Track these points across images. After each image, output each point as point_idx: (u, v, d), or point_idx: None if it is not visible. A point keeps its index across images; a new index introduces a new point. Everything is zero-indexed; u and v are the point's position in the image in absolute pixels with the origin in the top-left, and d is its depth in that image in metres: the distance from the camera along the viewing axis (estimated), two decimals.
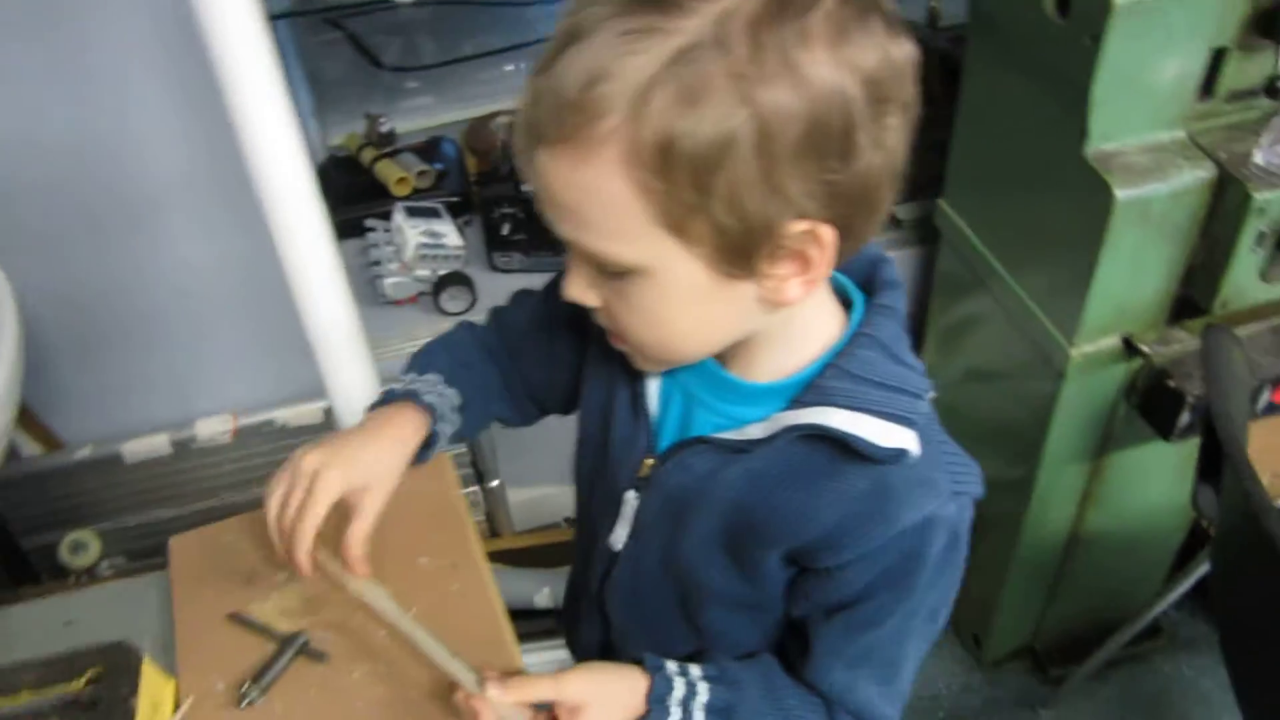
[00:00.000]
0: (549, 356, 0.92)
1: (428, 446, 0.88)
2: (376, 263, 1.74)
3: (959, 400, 1.77)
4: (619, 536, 0.86)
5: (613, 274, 0.66)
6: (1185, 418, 1.44)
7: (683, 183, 0.59)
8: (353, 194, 1.84)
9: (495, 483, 1.80)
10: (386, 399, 0.89)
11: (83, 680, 0.86)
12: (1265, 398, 1.49)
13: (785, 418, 0.72)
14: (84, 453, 1.63)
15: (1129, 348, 1.44)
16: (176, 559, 0.98)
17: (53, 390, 1.68)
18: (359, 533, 0.83)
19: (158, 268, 1.62)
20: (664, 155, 0.58)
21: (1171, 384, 1.44)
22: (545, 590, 1.65)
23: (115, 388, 1.70)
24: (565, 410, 0.96)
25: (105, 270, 1.60)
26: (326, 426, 1.64)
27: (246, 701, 0.86)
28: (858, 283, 0.76)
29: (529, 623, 1.47)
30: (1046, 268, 1.47)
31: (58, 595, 0.97)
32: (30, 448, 1.67)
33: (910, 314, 1.90)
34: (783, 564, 0.77)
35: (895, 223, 1.79)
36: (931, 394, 0.73)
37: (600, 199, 0.61)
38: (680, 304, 0.66)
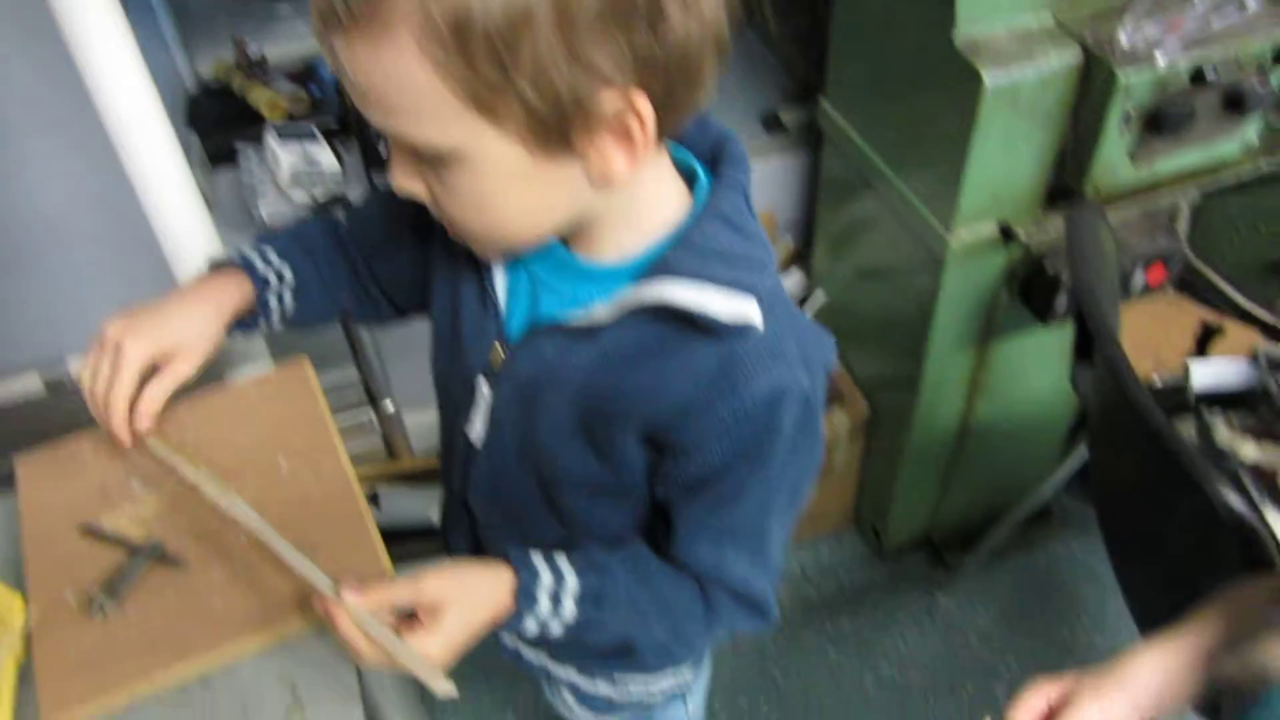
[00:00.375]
0: (396, 252, 0.91)
1: (255, 317, 0.87)
2: (252, 189, 1.68)
3: (850, 301, 1.78)
4: (476, 430, 0.85)
5: (431, 161, 0.64)
6: (1061, 300, 1.47)
7: (482, 60, 0.56)
8: (225, 121, 1.79)
9: (390, 405, 1.77)
10: (211, 268, 0.87)
11: None
12: (1140, 279, 1.52)
13: (629, 296, 0.70)
14: None
15: (1006, 235, 1.46)
16: (24, 477, 0.95)
17: None
18: (156, 391, 0.83)
19: (14, 202, 1.55)
20: (459, 32, 0.55)
21: (1047, 268, 1.46)
22: (438, 507, 1.64)
23: None
24: (422, 308, 0.94)
25: None
26: None
27: (97, 608, 0.84)
28: (705, 162, 0.75)
29: (425, 542, 1.46)
30: (925, 161, 1.48)
31: None
32: None
33: (799, 219, 1.91)
34: (639, 445, 0.76)
35: (780, 126, 1.79)
36: (776, 264, 0.73)
37: (401, 83, 0.58)
38: (503, 187, 0.65)
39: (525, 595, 0.78)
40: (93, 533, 0.89)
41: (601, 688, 1.05)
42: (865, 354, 1.79)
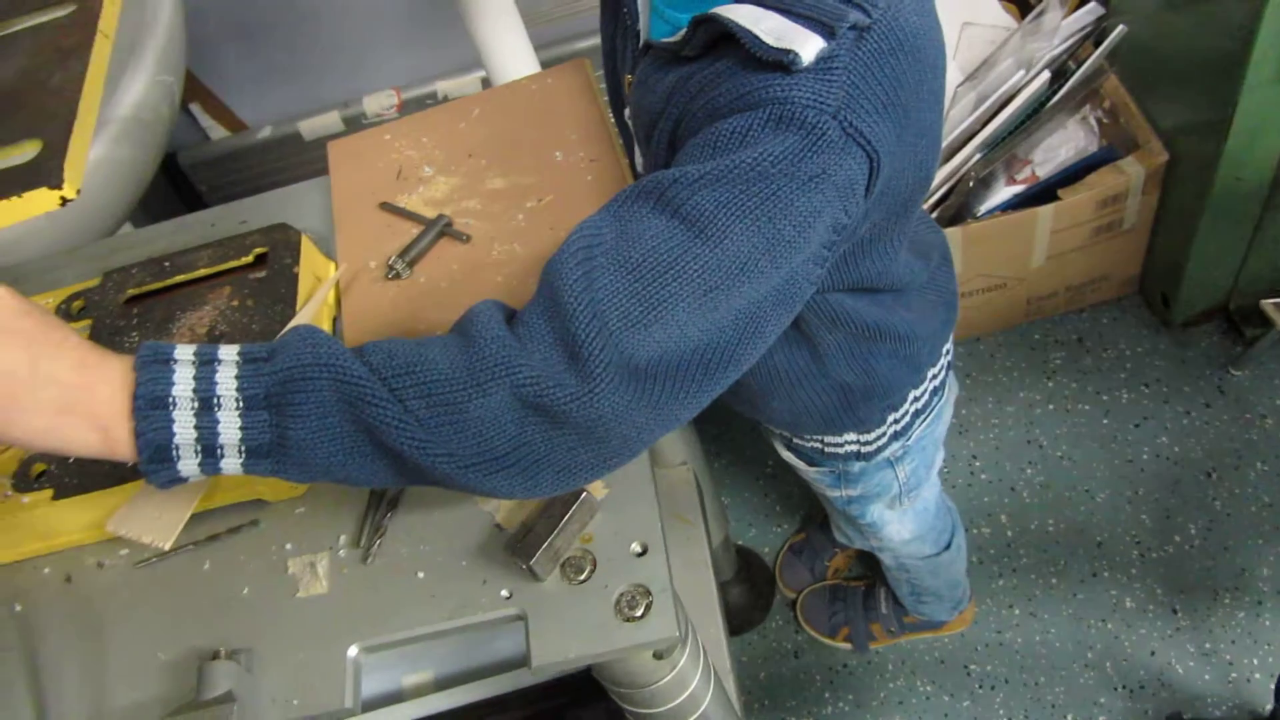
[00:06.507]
0: None
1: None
2: None
3: (1152, 34, 1.60)
4: (638, 161, 0.84)
5: None
6: None
7: None
8: None
9: None
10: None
11: (251, 256, 0.93)
12: None
13: (700, 18, 0.66)
14: (265, 132, 1.73)
15: None
16: (335, 161, 1.03)
17: (234, 78, 1.77)
18: None
19: None
20: None
21: None
22: None
23: (288, 73, 1.77)
24: None
25: None
26: None
27: (393, 273, 0.91)
28: None
29: None
30: None
31: (234, 203, 1.05)
32: (218, 131, 1.78)
33: None
34: None
35: None
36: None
37: None
38: None
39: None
40: (391, 209, 0.97)
41: (809, 439, 1.06)
42: (1166, 94, 1.62)
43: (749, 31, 0.62)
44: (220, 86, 1.76)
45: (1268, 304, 1.61)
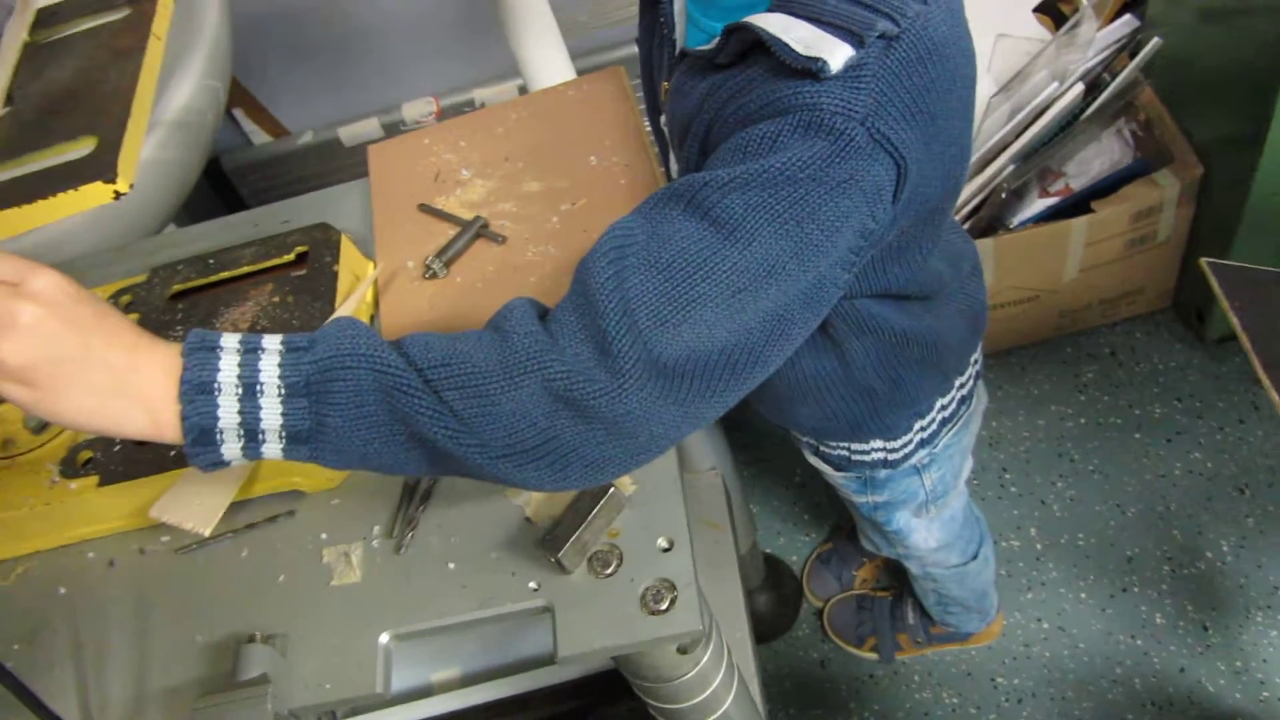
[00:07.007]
0: None
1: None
2: None
3: (1189, 47, 1.60)
4: (673, 167, 0.86)
5: None
6: None
7: None
8: None
9: None
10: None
11: (293, 254, 0.95)
12: None
13: (733, 24, 0.67)
14: (306, 138, 1.76)
15: None
16: (375, 163, 1.06)
17: (276, 84, 1.80)
18: None
19: None
20: None
21: None
22: None
23: (330, 81, 1.81)
24: None
25: None
26: None
27: (430, 273, 0.93)
28: None
29: None
30: None
31: (276, 204, 1.07)
32: (260, 136, 1.82)
33: None
34: None
35: None
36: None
37: None
38: None
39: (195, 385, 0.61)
40: (429, 211, 0.99)
41: (835, 446, 1.07)
42: (1202, 108, 1.62)
43: (779, 40, 0.64)
44: (263, 93, 1.80)
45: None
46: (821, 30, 0.64)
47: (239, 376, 0.61)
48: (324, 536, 0.82)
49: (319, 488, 0.84)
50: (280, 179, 1.79)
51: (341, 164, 1.78)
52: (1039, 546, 1.69)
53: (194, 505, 0.78)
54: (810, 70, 0.63)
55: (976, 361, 1.07)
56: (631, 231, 0.64)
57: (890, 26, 0.63)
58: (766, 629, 1.68)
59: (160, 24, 0.74)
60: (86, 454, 0.85)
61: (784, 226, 0.62)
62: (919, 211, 0.73)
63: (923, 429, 1.04)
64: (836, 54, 0.63)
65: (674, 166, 0.88)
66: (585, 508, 0.74)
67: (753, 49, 0.68)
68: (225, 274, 0.96)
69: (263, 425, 0.61)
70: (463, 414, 0.61)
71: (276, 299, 0.92)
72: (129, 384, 0.60)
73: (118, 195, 0.63)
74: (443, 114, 1.73)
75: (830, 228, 0.63)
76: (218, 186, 1.85)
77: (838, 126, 0.62)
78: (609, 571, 0.74)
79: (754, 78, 0.68)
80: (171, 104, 1.23)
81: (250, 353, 0.62)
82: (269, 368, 0.61)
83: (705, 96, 0.73)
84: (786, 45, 0.64)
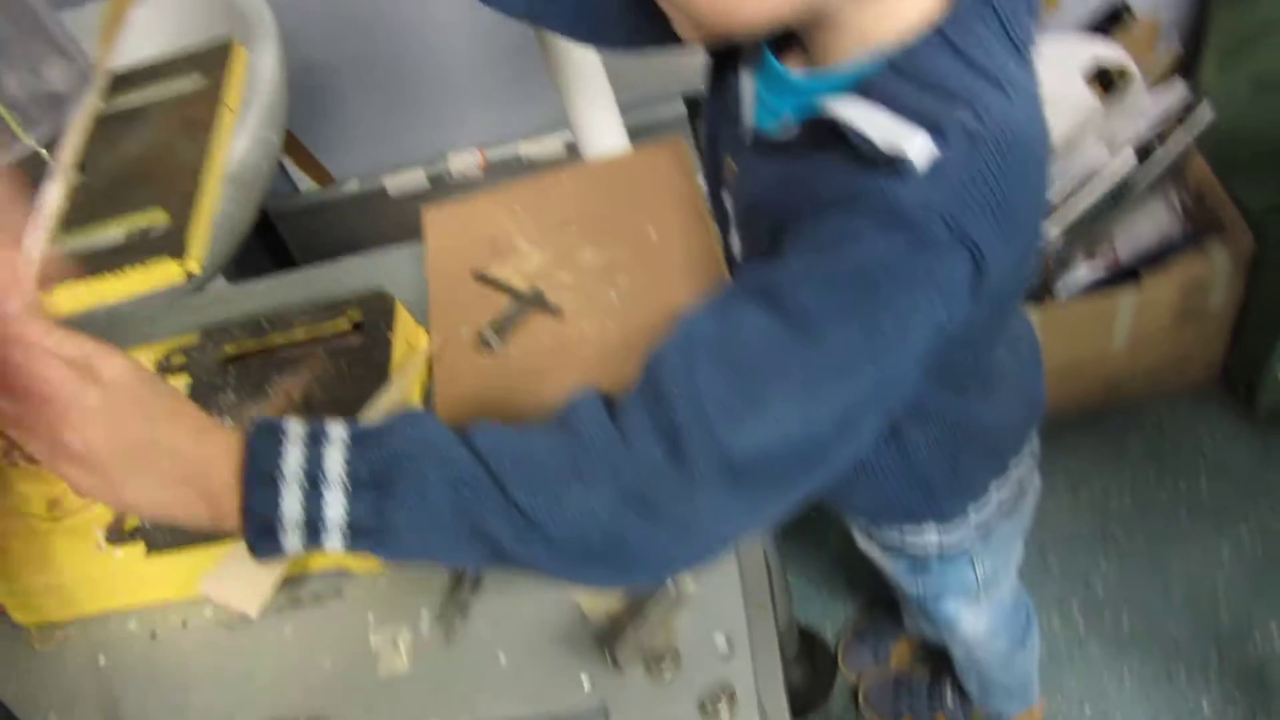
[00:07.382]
0: None
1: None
2: None
3: (1241, 118, 1.58)
4: (735, 245, 0.84)
5: None
6: None
7: None
8: None
9: None
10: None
11: (346, 320, 0.94)
12: None
13: (807, 108, 0.65)
14: (352, 186, 1.76)
15: None
16: (430, 228, 1.05)
17: (325, 133, 1.81)
18: None
19: (404, 12, 1.68)
20: None
21: None
22: None
23: (378, 129, 1.81)
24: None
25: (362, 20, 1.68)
26: (568, 159, 1.69)
27: (484, 343, 0.92)
28: None
29: None
30: None
31: (329, 264, 1.07)
32: (307, 184, 1.82)
33: (1186, 19, 1.70)
34: None
35: None
36: (998, 102, 0.61)
37: None
38: None
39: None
40: (484, 280, 0.98)
41: (888, 532, 1.05)
42: (1254, 177, 1.59)
43: (860, 133, 0.62)
44: (309, 139, 1.80)
45: None
46: (900, 119, 0.62)
47: (304, 467, 0.59)
48: (371, 618, 0.80)
49: (368, 567, 0.82)
50: (326, 227, 1.79)
51: (387, 214, 1.77)
52: (1081, 627, 1.64)
53: (243, 583, 0.76)
54: (891, 162, 0.61)
55: (1033, 449, 1.04)
56: (702, 324, 0.63)
57: (971, 119, 0.61)
58: (801, 703, 1.64)
59: (233, 95, 0.73)
60: (134, 521, 0.84)
61: (858, 321, 0.60)
62: (992, 303, 0.72)
63: (977, 512, 1.02)
64: (919, 149, 0.61)
65: (735, 243, 0.87)
66: (643, 603, 0.72)
67: (828, 132, 0.67)
68: (279, 338, 0.95)
69: (326, 518, 0.60)
70: (530, 513, 0.59)
71: (331, 369, 0.91)
72: (196, 473, 0.58)
73: (190, 275, 0.62)
74: (489, 166, 1.73)
75: (904, 323, 0.61)
76: (260, 232, 1.85)
77: (917, 219, 0.60)
78: (665, 672, 0.72)
79: (829, 164, 0.66)
80: (228, 157, 1.22)
81: (315, 442, 0.60)
82: (334, 458, 0.60)
83: (776, 179, 0.71)
84: (868, 139, 0.62)
